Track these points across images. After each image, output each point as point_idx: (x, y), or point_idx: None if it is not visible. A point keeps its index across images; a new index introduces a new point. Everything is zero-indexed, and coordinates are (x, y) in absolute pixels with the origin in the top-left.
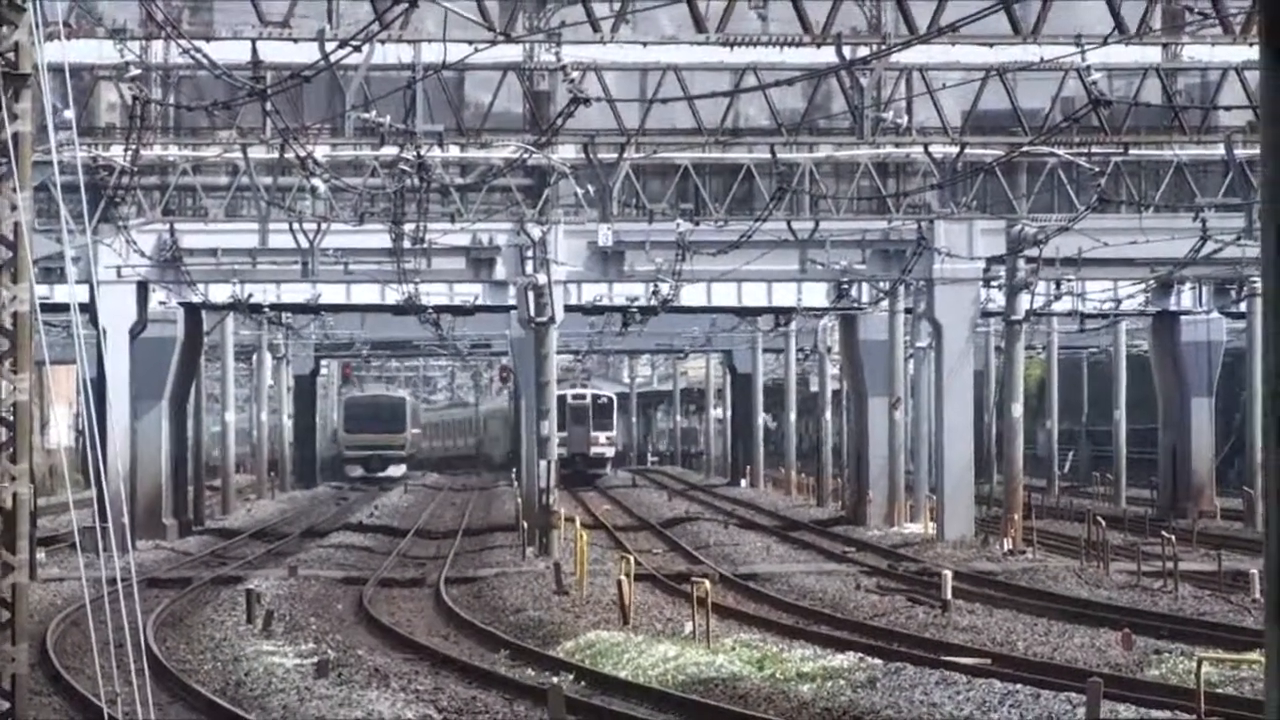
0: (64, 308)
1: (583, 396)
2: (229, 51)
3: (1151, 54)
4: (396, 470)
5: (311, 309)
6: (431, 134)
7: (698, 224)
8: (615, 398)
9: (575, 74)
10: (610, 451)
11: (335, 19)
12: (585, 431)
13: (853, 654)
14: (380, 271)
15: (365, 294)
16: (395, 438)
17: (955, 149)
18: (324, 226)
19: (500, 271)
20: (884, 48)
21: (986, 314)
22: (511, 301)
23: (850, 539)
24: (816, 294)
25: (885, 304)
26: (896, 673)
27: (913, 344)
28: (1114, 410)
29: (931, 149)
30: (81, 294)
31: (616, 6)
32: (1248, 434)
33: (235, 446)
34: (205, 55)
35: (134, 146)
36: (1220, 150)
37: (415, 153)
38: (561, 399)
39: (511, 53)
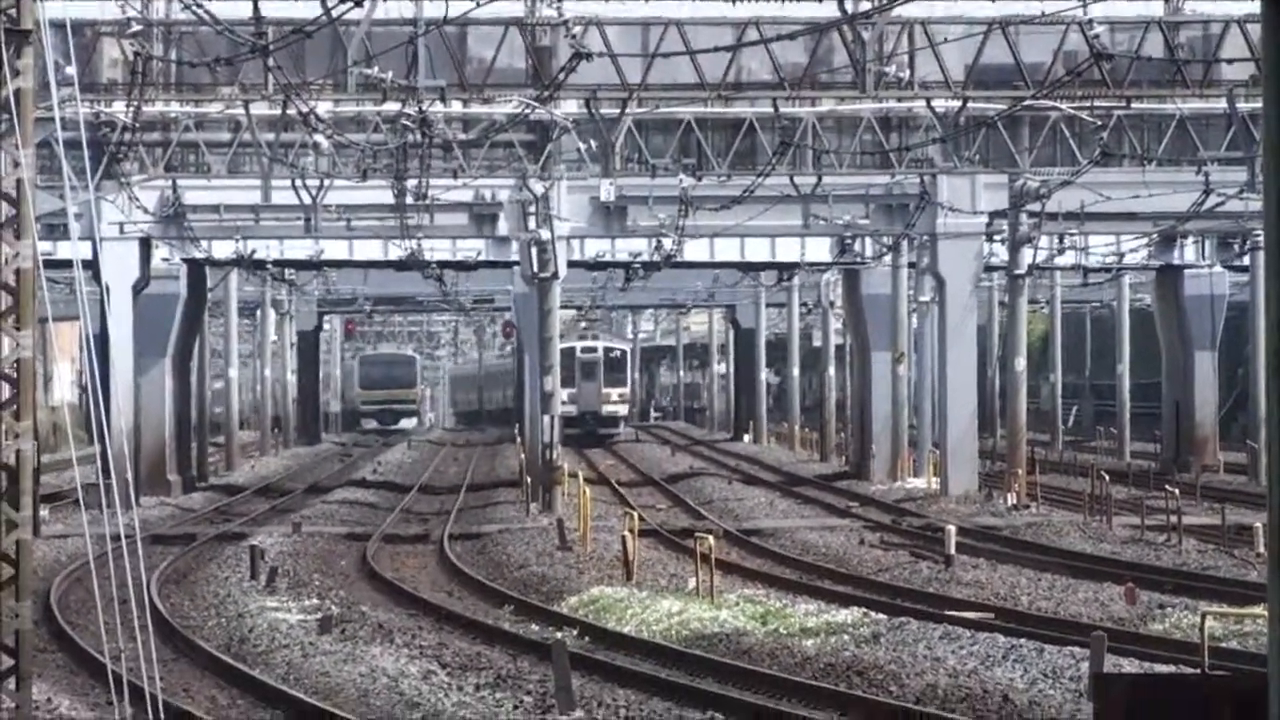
0: (67, 264)
1: (594, 349)
2: (230, 7)
3: (1154, 7)
4: (409, 423)
5: (314, 265)
6: (434, 89)
7: (700, 179)
8: (628, 351)
9: (577, 29)
10: (623, 409)
11: None
12: (596, 388)
13: (856, 609)
14: (383, 227)
15: (368, 250)
16: (408, 392)
17: (958, 103)
18: (326, 182)
19: (503, 227)
20: (886, 1)
21: (989, 268)
22: (514, 257)
23: (854, 494)
24: (820, 249)
25: (888, 259)
26: (900, 627)
27: (916, 299)
28: (1117, 364)
29: (934, 103)
30: (84, 250)
31: None
32: (1251, 388)
33: (239, 403)
34: (207, 11)
35: (136, 103)
36: (1223, 104)
37: (418, 108)
38: (570, 352)
39: (514, 7)
